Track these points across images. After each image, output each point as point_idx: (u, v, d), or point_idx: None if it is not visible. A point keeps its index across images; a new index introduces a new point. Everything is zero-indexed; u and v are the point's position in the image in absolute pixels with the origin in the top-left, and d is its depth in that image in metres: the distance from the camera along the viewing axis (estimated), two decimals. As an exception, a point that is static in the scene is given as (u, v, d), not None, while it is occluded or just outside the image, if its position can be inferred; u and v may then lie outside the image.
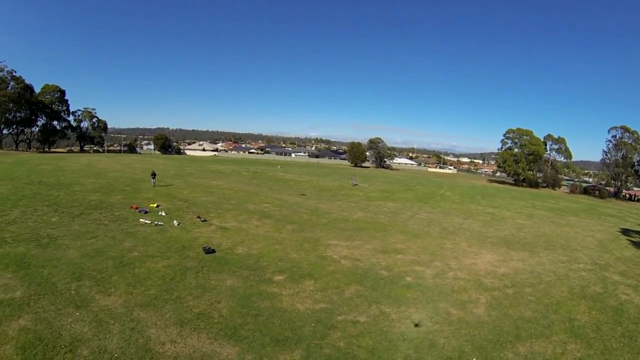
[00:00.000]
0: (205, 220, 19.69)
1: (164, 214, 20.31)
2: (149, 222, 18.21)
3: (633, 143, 70.10)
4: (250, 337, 9.03)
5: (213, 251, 14.85)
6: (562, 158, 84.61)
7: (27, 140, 76.22)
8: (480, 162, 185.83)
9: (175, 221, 18.72)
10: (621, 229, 29.70)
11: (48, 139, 76.04)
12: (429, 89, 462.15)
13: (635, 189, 75.89)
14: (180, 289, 11.27)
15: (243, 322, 9.74)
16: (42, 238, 14.50)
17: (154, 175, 29.85)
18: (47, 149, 74.39)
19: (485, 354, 9.17)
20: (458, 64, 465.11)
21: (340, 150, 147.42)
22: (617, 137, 71.97)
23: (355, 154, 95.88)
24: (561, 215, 34.22)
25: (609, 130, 73.43)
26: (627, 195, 71.07)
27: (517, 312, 11.76)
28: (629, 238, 25.61)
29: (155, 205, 22.15)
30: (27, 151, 67.39)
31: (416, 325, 9.76)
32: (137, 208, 20.93)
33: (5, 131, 70.51)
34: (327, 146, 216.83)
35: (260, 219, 21.61)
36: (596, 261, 18.54)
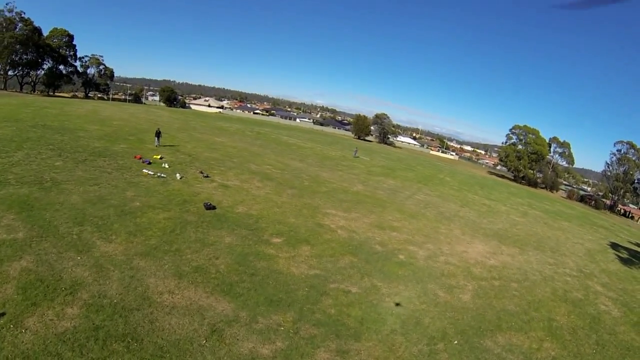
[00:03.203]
0: (207, 176, 19.80)
1: (167, 166, 20.32)
2: (152, 173, 18.25)
3: (637, 160, 69.40)
4: (246, 295, 9.35)
5: (214, 208, 15.05)
6: (565, 162, 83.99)
7: (32, 83, 74.65)
8: (483, 152, 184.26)
9: (178, 174, 18.79)
10: (610, 242, 29.51)
11: (53, 83, 74.48)
12: (440, 72, 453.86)
13: (631, 205, 75.80)
14: (179, 242, 11.52)
15: (239, 279, 10.06)
16: (46, 182, 14.41)
17: (158, 134, 26.22)
18: (51, 93, 73.09)
19: (466, 338, 9.59)
20: (473, 50, 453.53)
21: (345, 121, 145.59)
22: (622, 151, 71.06)
23: (360, 126, 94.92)
24: (554, 219, 34.29)
25: (614, 144, 72.58)
26: (622, 210, 71.08)
27: (500, 304, 12.17)
28: (617, 252, 25.46)
29: (158, 157, 22.07)
30: (31, 94, 66.14)
31: (397, 304, 10.08)
32: (140, 158, 20.88)
33: (10, 73, 69.18)
34: (332, 115, 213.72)
35: (262, 180, 21.74)
36: (582, 269, 18.73)
